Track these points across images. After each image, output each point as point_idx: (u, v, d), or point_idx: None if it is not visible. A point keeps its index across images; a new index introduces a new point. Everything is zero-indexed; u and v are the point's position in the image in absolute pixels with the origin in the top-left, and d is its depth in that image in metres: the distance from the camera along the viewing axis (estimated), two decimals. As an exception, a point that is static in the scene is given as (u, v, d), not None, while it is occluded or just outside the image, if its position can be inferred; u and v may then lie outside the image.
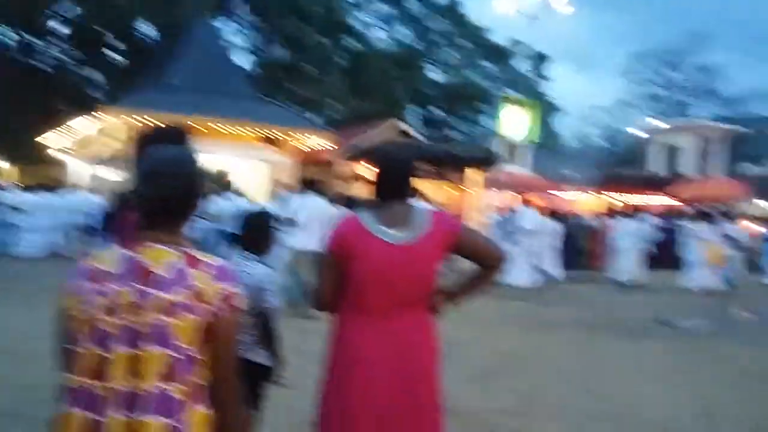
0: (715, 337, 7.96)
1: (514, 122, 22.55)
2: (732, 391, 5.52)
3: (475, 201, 21.70)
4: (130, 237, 1.56)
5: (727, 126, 29.05)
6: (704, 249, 12.59)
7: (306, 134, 19.09)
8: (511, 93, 22.34)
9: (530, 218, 12.20)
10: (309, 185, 10.29)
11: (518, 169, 22.89)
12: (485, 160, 20.82)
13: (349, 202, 12.29)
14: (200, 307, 1.49)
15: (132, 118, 14.95)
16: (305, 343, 6.44)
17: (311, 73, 29.08)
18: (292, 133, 18.82)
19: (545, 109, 40.93)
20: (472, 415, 4.57)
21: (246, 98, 18.71)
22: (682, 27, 52.82)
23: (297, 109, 23.00)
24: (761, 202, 28.54)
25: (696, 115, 45.12)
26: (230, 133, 17.79)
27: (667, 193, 22.32)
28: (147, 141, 1.65)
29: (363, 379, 2.25)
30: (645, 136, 30.78)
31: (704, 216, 13.61)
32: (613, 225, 13.79)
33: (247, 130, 18.06)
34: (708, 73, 48.92)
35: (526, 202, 13.24)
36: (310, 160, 20.12)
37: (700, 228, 13.04)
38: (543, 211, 13.06)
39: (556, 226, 12.84)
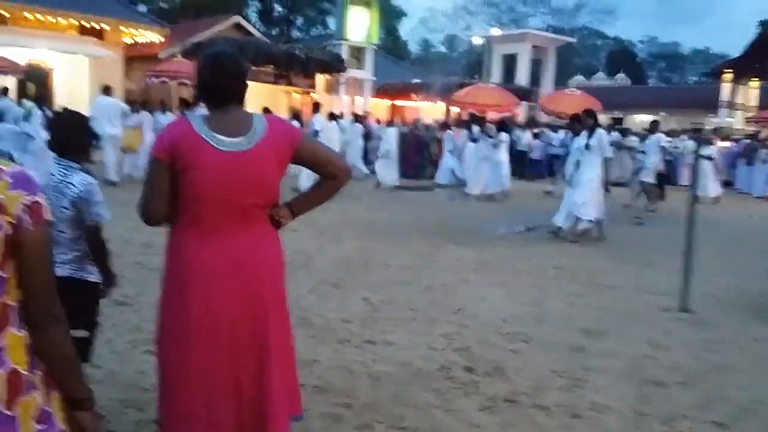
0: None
1: (356, 24, 22.08)
2: (560, 294, 5.93)
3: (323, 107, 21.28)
4: None
5: (557, 36, 30.46)
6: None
7: (134, 27, 17.45)
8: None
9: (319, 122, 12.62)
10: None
11: (362, 74, 22.68)
12: (332, 65, 20.31)
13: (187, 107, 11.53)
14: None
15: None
16: (147, 258, 6.02)
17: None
18: (118, 26, 17.11)
19: (390, 13, 40.52)
20: (323, 325, 4.52)
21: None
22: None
23: (124, -1, 20.89)
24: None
25: (529, 25, 47.03)
26: (48, 21, 15.87)
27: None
28: None
29: (199, 294, 2.12)
30: (481, 43, 31.53)
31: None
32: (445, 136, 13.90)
33: (67, 20, 16.19)
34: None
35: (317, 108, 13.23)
36: (139, 56, 18.55)
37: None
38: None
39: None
